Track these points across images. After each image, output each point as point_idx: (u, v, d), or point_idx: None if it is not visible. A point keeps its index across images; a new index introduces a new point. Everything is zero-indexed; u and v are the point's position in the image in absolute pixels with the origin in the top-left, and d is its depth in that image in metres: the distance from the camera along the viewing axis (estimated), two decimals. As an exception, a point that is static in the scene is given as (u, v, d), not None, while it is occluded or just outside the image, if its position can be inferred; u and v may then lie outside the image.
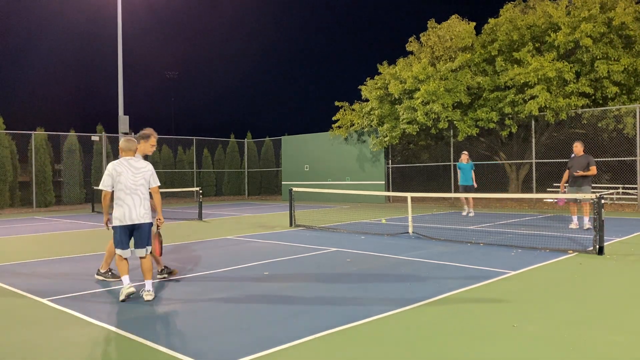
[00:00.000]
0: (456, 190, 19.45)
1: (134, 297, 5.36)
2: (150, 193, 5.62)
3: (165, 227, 13.16)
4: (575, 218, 10.99)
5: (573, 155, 10.61)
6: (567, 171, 10.70)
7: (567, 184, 10.68)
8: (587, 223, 10.40)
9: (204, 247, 9.22)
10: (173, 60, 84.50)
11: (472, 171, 13.91)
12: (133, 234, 5.45)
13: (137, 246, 5.44)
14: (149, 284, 5.39)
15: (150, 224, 5.53)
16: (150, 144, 6.12)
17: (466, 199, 14.35)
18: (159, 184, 5.71)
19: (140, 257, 5.48)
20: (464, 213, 14.31)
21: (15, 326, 4.53)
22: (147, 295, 5.30)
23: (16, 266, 7.53)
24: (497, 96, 17.64)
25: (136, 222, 5.37)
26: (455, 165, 19.82)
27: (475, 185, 14.03)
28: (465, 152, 14.23)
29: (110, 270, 6.38)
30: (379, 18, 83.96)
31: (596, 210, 7.52)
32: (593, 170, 10.18)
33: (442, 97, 17.77)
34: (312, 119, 77.10)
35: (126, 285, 5.32)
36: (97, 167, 23.48)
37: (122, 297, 5.27)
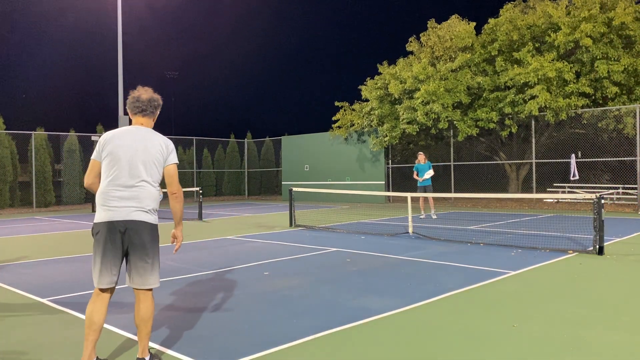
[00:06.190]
0: (456, 190, 19.46)
1: (132, 298, 5.35)
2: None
3: (165, 227, 13.15)
4: None
5: None
6: None
7: None
8: None
9: (204, 247, 9.22)
10: (173, 60, 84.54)
11: (431, 169, 13.50)
12: None
13: None
14: None
15: None
16: None
17: (425, 200, 13.94)
18: None
19: None
20: (422, 216, 13.64)
21: (15, 326, 4.53)
22: None
23: (16, 266, 7.53)
24: (497, 96, 17.63)
25: None
26: (454, 166, 19.83)
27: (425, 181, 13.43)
28: (421, 153, 13.96)
29: None
30: (379, 18, 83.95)
31: (596, 210, 7.53)
32: None
33: (442, 97, 17.76)
34: (312, 119, 77.15)
35: None
36: (97, 167, 23.46)
37: None
